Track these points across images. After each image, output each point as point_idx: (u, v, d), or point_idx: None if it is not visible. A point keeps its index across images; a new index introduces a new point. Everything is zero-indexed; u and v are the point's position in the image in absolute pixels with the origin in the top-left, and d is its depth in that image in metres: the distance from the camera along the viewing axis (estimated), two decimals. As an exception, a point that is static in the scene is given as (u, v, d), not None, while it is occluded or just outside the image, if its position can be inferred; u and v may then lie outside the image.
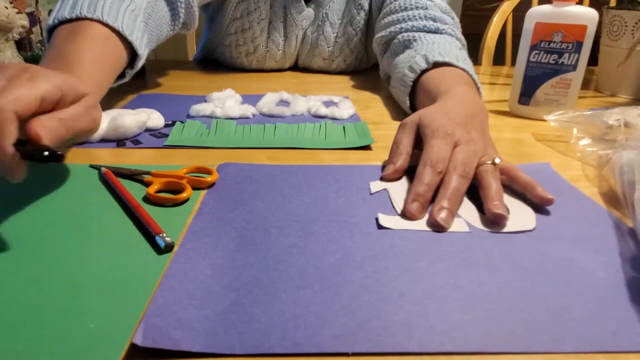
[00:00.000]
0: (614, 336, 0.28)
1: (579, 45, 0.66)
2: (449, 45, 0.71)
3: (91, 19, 0.55)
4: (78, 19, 0.55)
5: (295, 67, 1.09)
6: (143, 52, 0.61)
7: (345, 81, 0.99)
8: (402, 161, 0.47)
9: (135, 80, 0.93)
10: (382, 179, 0.47)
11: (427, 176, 0.43)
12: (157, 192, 0.44)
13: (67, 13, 0.55)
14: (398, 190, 0.45)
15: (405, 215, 0.41)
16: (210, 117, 0.68)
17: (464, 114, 0.49)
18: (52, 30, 0.56)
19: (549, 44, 0.67)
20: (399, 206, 0.42)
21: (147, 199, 0.42)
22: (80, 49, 0.50)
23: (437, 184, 0.43)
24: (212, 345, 0.26)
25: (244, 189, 0.45)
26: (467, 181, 0.43)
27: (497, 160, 0.45)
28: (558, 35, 0.67)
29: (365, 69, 1.10)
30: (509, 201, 0.44)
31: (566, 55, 0.67)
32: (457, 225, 0.40)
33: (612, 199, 0.46)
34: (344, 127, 0.63)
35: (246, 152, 0.55)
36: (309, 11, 0.96)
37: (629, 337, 0.28)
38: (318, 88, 0.90)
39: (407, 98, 0.69)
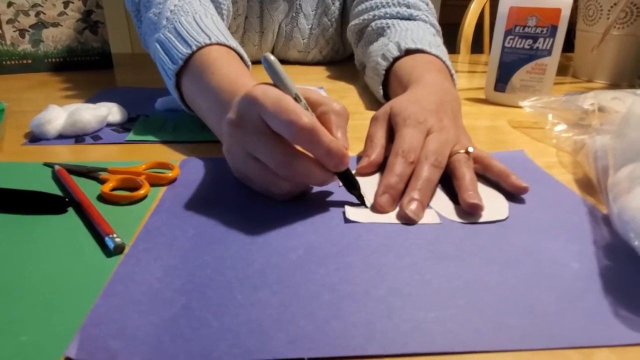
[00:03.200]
0: (585, 330, 0.26)
1: (553, 30, 0.65)
2: (423, 32, 0.70)
3: (208, 45, 0.52)
4: (194, 52, 0.52)
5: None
6: (243, 53, 0.57)
7: (321, 72, 0.97)
8: (376, 154, 0.45)
9: (101, 74, 0.90)
10: (356, 173, 0.45)
11: (398, 167, 0.41)
12: (113, 190, 0.41)
13: (185, 48, 0.52)
14: (368, 183, 0.43)
15: (375, 208, 0.39)
16: (177, 110, 0.65)
17: (436, 102, 0.47)
18: (178, 73, 0.53)
19: (523, 29, 0.66)
20: (369, 200, 0.40)
21: (102, 198, 0.40)
22: (239, 70, 0.49)
23: (410, 174, 0.41)
24: (155, 357, 0.23)
25: (205, 185, 0.43)
26: (439, 171, 0.41)
27: (471, 149, 0.44)
28: (532, 19, 0.65)
29: (342, 60, 1.08)
30: (482, 190, 0.43)
31: (541, 40, 0.65)
32: (427, 217, 0.38)
33: (587, 185, 0.45)
34: None
35: (213, 145, 0.53)
36: (283, 4, 0.94)
37: (600, 331, 0.26)
38: (294, 79, 0.87)
39: (380, 87, 0.67)
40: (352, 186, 0.39)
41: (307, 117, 0.34)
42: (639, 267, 0.32)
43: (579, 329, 0.26)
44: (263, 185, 0.39)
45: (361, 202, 0.40)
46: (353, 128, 0.58)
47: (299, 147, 0.36)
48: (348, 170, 0.39)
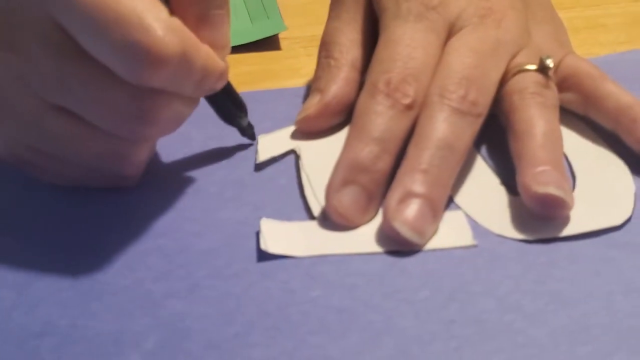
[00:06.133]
0: None
1: None
2: None
3: None
4: None
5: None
6: None
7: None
8: (338, 86, 0.22)
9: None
10: (296, 126, 0.22)
11: (377, 119, 0.18)
12: None
13: None
14: (319, 155, 0.21)
15: (327, 217, 0.18)
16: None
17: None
18: None
19: None
20: (319, 196, 0.19)
21: None
22: None
23: (404, 135, 0.19)
24: None
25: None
26: (471, 121, 0.19)
27: (550, 62, 0.20)
28: None
29: None
30: (575, 156, 0.20)
31: None
32: (446, 233, 0.18)
33: None
34: None
35: None
36: None
37: None
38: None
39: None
40: (236, 107, 0.22)
41: (166, 29, 0.15)
42: None
43: None
44: (84, 168, 0.18)
45: (250, 137, 0.22)
46: (299, 12, 0.30)
47: None
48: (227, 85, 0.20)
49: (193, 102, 0.18)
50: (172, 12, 0.16)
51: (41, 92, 0.16)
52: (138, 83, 0.15)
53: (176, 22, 0.15)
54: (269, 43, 0.29)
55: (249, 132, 0.22)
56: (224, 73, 0.18)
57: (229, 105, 0.21)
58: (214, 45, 0.17)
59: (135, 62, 0.14)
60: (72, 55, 0.15)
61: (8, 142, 0.18)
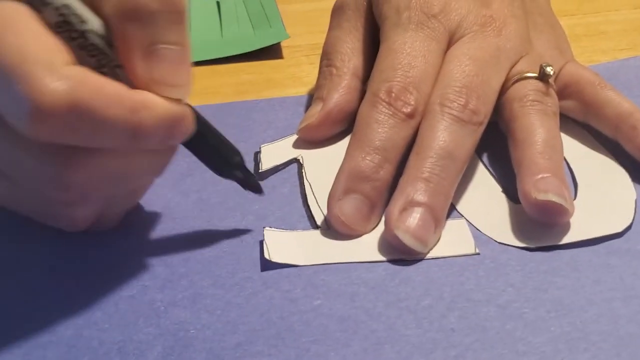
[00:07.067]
0: None
1: None
2: None
3: None
4: None
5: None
6: None
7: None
8: (339, 94, 0.22)
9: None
10: (298, 134, 0.22)
11: (378, 128, 0.19)
12: None
13: None
14: (322, 164, 0.21)
15: (330, 226, 0.18)
16: None
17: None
18: None
19: None
20: (322, 204, 0.19)
21: None
22: None
23: (405, 143, 0.19)
24: None
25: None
26: (473, 130, 0.19)
27: (550, 69, 0.20)
28: None
29: None
30: (576, 163, 0.21)
31: None
32: (450, 240, 0.18)
33: None
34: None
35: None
36: None
37: None
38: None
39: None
40: (222, 160, 0.18)
41: (54, 77, 0.13)
42: None
43: None
44: (34, 215, 0.18)
45: (253, 189, 0.19)
46: (301, 20, 0.27)
47: None
48: (203, 133, 0.17)
49: (145, 156, 0.16)
50: (118, 50, 0.14)
51: None
52: (30, 136, 0.14)
53: (75, 70, 0.14)
54: (271, 52, 0.29)
55: (250, 184, 0.18)
56: (176, 123, 0.15)
57: (212, 155, 0.18)
58: (163, 85, 0.15)
59: (20, 112, 0.13)
60: None
61: None
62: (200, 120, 0.16)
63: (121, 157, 0.15)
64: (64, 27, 0.14)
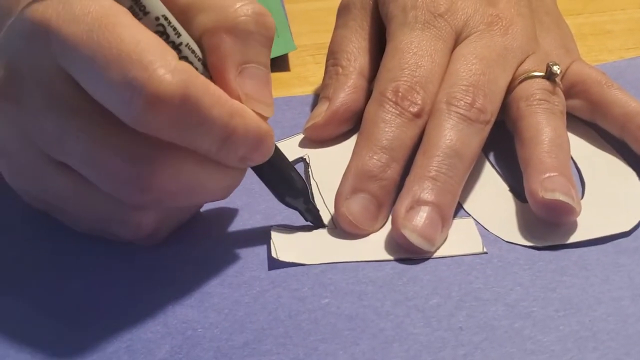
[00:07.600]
0: None
1: None
2: None
3: None
4: None
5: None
6: None
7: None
8: (345, 94, 0.22)
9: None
10: (305, 134, 0.22)
11: (385, 128, 0.19)
12: None
13: None
14: (328, 163, 0.21)
15: (337, 225, 0.18)
16: None
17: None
18: None
19: None
20: (329, 203, 0.19)
21: None
22: None
23: (412, 143, 0.19)
24: None
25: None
26: (480, 129, 0.19)
27: (557, 68, 0.20)
28: None
29: None
30: (583, 162, 0.21)
31: None
32: (457, 239, 0.18)
33: None
34: None
35: None
36: None
37: None
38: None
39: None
40: (289, 187, 0.18)
41: (168, 68, 0.14)
42: None
43: None
44: (91, 222, 0.18)
45: (313, 221, 0.18)
46: (306, 25, 0.28)
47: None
48: (276, 157, 0.17)
49: (222, 172, 0.16)
50: (210, 63, 0.15)
51: (42, 147, 0.15)
52: (136, 125, 0.14)
53: (184, 65, 0.14)
54: (278, 63, 0.28)
55: (311, 216, 0.18)
56: (263, 138, 0.16)
57: (279, 182, 0.18)
58: (253, 100, 0.15)
59: (132, 98, 0.13)
60: (73, 108, 0.14)
61: (19, 191, 0.18)
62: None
63: (201, 167, 0.16)
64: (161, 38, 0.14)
